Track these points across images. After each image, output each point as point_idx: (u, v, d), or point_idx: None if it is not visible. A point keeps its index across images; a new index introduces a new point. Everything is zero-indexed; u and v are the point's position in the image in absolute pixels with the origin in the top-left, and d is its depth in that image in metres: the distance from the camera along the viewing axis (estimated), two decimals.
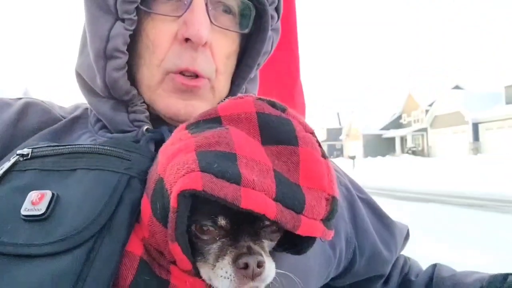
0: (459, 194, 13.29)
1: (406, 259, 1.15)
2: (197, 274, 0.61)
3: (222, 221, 0.59)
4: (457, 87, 45.90)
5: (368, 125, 54.09)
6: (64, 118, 0.90)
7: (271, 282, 0.61)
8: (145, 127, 0.81)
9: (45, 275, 0.57)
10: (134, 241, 0.63)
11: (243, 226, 0.60)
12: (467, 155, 33.45)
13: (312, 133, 0.65)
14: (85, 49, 0.85)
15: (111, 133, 0.84)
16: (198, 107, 0.82)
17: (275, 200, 0.56)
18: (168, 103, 0.82)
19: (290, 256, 0.69)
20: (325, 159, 0.63)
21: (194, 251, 0.60)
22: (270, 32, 0.89)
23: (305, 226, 0.57)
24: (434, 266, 1.08)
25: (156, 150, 0.72)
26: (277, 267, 0.65)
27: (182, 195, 0.54)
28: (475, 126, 36.18)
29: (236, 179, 0.54)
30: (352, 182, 1.08)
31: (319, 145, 0.65)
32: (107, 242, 0.61)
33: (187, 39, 0.79)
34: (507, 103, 34.60)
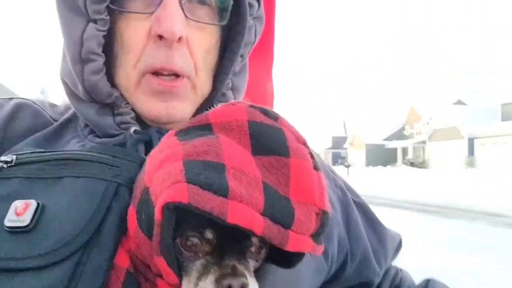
0: (447, 205, 14.34)
1: (398, 270, 1.10)
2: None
3: (209, 235, 0.57)
4: (459, 102, 47.41)
5: (372, 135, 55.70)
6: (55, 120, 0.87)
7: None
8: (133, 129, 0.78)
9: None
10: (121, 253, 0.61)
11: (229, 244, 0.58)
12: (462, 169, 34.99)
13: (305, 143, 0.63)
14: (66, 55, 0.81)
15: (100, 137, 0.81)
16: (179, 108, 0.80)
17: (263, 214, 0.53)
18: (148, 106, 0.79)
19: (280, 270, 0.67)
20: (317, 171, 0.61)
21: (179, 265, 0.58)
22: (251, 21, 0.85)
23: (294, 241, 0.55)
24: (427, 281, 1.05)
25: (145, 151, 0.73)
26: (266, 280, 0.66)
27: (167, 207, 0.52)
28: (471, 141, 37.73)
29: (223, 192, 0.52)
30: (347, 185, 1.04)
31: (312, 156, 0.62)
32: (95, 254, 0.59)
33: (160, 36, 0.75)
34: (503, 120, 36.13)
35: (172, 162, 0.56)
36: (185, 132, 0.63)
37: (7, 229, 0.59)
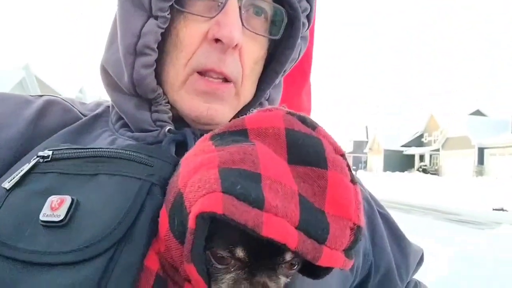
0: (451, 211, 15.29)
1: (417, 283, 1.08)
2: None
3: (240, 253, 0.55)
4: (478, 112, 48.73)
5: (391, 141, 57.39)
6: (85, 116, 0.88)
7: None
8: (167, 128, 0.79)
9: (63, 285, 0.56)
10: (151, 255, 0.61)
11: (261, 259, 0.56)
12: (471, 177, 36.67)
13: (343, 155, 0.61)
14: (113, 45, 0.83)
15: (132, 132, 0.82)
16: (221, 111, 0.81)
17: (298, 228, 0.52)
18: (191, 104, 0.80)
19: (308, 280, 0.66)
20: (354, 184, 0.59)
21: (209, 274, 0.57)
22: (299, 40, 0.86)
23: (326, 257, 0.54)
24: None
25: (178, 152, 0.72)
26: None
27: (201, 216, 0.50)
28: (481, 151, 39.26)
29: (258, 204, 0.50)
30: (372, 196, 1.03)
31: (349, 168, 0.61)
32: (127, 252, 0.59)
33: (217, 40, 0.76)
34: None
35: (207, 169, 0.55)
36: (220, 137, 0.62)
37: (42, 223, 0.61)
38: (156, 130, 0.80)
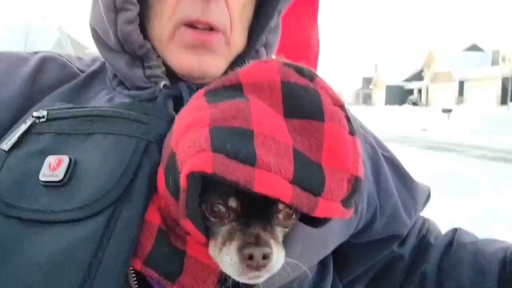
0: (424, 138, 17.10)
1: (425, 221, 1.08)
2: None
3: (233, 203, 0.57)
4: (474, 46, 52.18)
5: (394, 76, 61.49)
6: (82, 72, 0.87)
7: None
8: (162, 83, 0.78)
9: (66, 242, 0.57)
10: (152, 210, 0.63)
11: (255, 210, 0.57)
12: (454, 106, 41.72)
13: (341, 106, 0.61)
14: (96, 2, 0.80)
15: (129, 89, 0.81)
16: (212, 63, 0.78)
17: (292, 182, 0.52)
18: (181, 59, 0.78)
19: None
20: (352, 136, 0.59)
21: (206, 228, 0.59)
22: None
23: (323, 208, 0.55)
24: (455, 230, 1.03)
25: (175, 108, 0.72)
26: (296, 235, 0.68)
27: (191, 175, 0.52)
28: (461, 83, 43.96)
29: (250, 160, 0.51)
30: (376, 140, 1.02)
31: (348, 119, 0.60)
32: (127, 209, 0.60)
33: None
34: (492, 65, 41.85)
35: (198, 128, 0.55)
36: (214, 93, 0.61)
37: (43, 183, 0.62)
38: (151, 86, 0.79)
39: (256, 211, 0.58)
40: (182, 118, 0.62)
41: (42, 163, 0.64)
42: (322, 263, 0.90)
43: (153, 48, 0.80)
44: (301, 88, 0.59)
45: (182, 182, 0.53)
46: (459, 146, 14.53)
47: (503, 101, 35.58)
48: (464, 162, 10.32)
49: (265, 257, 0.55)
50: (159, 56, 0.81)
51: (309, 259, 0.79)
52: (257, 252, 0.54)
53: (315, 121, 0.57)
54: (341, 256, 0.96)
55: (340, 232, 0.86)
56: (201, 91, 0.64)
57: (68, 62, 0.89)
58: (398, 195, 0.99)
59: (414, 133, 19.70)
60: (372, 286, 1.06)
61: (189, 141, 0.54)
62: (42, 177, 0.63)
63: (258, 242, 0.55)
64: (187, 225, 0.57)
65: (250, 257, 0.54)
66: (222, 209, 0.58)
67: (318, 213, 0.55)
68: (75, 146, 0.67)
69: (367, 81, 77.48)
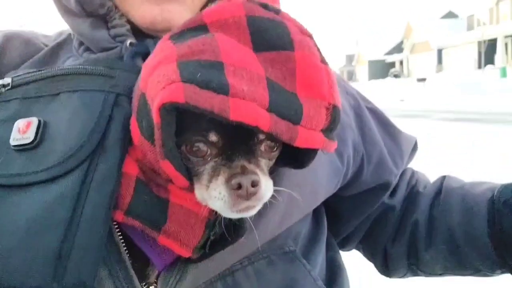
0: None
1: (414, 172, 1.09)
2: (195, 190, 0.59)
3: (213, 137, 0.55)
4: (450, 13, 52.87)
5: (375, 51, 62.13)
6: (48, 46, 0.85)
7: (270, 200, 0.60)
8: (128, 41, 0.76)
9: (44, 201, 0.57)
10: (129, 162, 0.62)
11: (237, 144, 0.56)
12: (433, 74, 42.60)
13: (310, 36, 0.60)
14: None
15: (95, 53, 0.80)
16: (175, 12, 0.75)
17: (269, 110, 0.52)
18: (142, 10, 0.75)
19: (297, 171, 0.67)
20: (325, 64, 0.59)
21: (188, 171, 0.58)
22: None
23: (303, 137, 0.54)
24: (443, 177, 1.03)
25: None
26: (283, 183, 0.66)
27: (164, 109, 0.50)
28: (439, 52, 44.79)
29: (223, 89, 0.50)
30: (359, 93, 1.02)
31: (318, 49, 0.60)
32: (103, 162, 0.60)
33: None
34: (468, 30, 42.60)
35: (166, 64, 0.54)
36: (180, 35, 0.60)
37: (14, 148, 0.62)
38: (117, 46, 0.77)
39: (237, 145, 0.57)
40: (148, 61, 0.61)
41: (11, 129, 0.64)
42: (316, 220, 0.91)
43: (116, 7, 0.80)
44: (267, 21, 0.58)
45: (155, 118, 0.51)
46: (435, 112, 15.19)
47: (480, 65, 36.46)
48: (438, 126, 10.82)
49: (254, 184, 0.54)
50: (122, 15, 0.80)
51: (300, 209, 0.79)
52: (245, 180, 0.53)
53: (285, 52, 0.57)
54: (333, 213, 0.98)
55: (328, 181, 0.86)
56: (165, 36, 0.62)
57: (33, 38, 0.89)
58: (384, 143, 1.00)
59: (392, 104, 20.47)
60: (366, 241, 1.06)
61: (157, 77, 0.53)
62: (13, 142, 0.63)
63: (244, 171, 0.54)
64: (167, 168, 0.55)
65: (239, 187, 0.53)
66: (203, 146, 0.57)
67: (299, 143, 0.54)
68: (43, 109, 0.66)
69: (350, 58, 78.11)
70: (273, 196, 0.60)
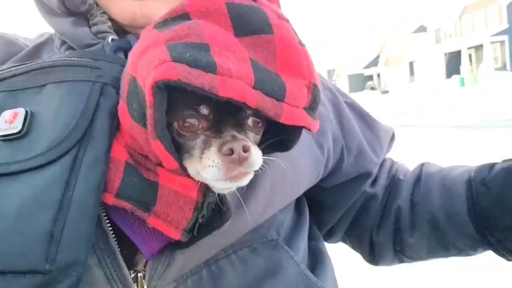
0: None
1: (393, 162, 1.13)
2: (184, 171, 0.60)
3: (204, 110, 0.57)
4: (421, 27, 55.73)
5: (355, 65, 64.78)
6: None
7: (260, 169, 0.61)
8: (110, 38, 0.77)
9: (34, 185, 0.58)
10: (118, 148, 0.62)
11: (226, 118, 0.59)
12: (406, 85, 45.08)
13: (287, 20, 0.63)
14: None
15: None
16: (155, 7, 0.76)
17: (255, 88, 0.54)
18: (122, 6, 0.77)
19: (280, 161, 0.69)
20: (302, 46, 0.62)
21: (179, 150, 0.59)
22: None
23: (288, 113, 0.56)
24: (422, 164, 1.06)
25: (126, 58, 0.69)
26: (267, 172, 0.69)
27: (156, 87, 0.51)
28: (411, 64, 47.55)
29: (211, 68, 0.52)
30: (336, 87, 1.05)
31: (295, 32, 0.63)
32: (90, 149, 0.60)
33: None
34: (436, 43, 45.36)
35: (154, 47, 0.56)
36: (163, 24, 0.62)
37: (1, 138, 0.62)
38: (99, 42, 0.78)
39: (226, 120, 0.59)
40: (136, 48, 0.62)
41: None
42: (298, 210, 0.95)
43: (97, 5, 0.80)
44: (246, 8, 0.61)
45: (148, 97, 0.53)
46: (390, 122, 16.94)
47: (448, 75, 38.98)
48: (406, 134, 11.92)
49: (245, 150, 0.56)
50: (104, 13, 0.80)
51: (282, 198, 0.83)
52: (237, 145, 0.56)
53: (265, 35, 0.60)
54: (318, 204, 1.03)
55: (309, 171, 0.89)
56: (149, 27, 0.64)
57: (15, 39, 0.89)
58: (362, 134, 1.03)
59: None
60: (351, 231, 1.09)
61: (148, 59, 0.55)
62: (0, 132, 0.62)
63: (235, 139, 0.57)
64: (158, 148, 0.56)
65: (231, 152, 0.56)
66: (194, 121, 0.59)
67: (284, 119, 0.57)
68: (30, 100, 0.66)
69: (331, 73, 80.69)
70: (262, 166, 0.62)
